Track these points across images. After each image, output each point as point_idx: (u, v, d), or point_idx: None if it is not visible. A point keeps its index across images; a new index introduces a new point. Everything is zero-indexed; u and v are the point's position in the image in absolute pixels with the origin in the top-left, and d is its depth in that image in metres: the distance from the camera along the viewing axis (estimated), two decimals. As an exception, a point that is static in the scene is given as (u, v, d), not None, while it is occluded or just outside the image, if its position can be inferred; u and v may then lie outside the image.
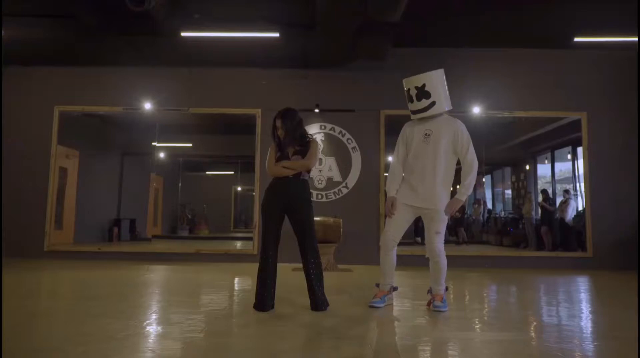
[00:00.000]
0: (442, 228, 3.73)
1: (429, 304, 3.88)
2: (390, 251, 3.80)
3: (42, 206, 7.92)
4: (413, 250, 7.30)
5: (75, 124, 8.37)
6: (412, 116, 3.88)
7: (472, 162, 3.71)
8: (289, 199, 3.66)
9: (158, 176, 10.74)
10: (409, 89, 3.83)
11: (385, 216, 3.89)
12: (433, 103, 3.74)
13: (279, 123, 3.73)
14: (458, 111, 7.11)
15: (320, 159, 7.59)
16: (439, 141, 3.72)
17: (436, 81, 3.77)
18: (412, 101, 3.81)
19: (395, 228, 3.78)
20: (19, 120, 8.07)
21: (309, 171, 3.78)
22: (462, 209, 9.88)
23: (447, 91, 3.83)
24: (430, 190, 3.71)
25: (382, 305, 3.85)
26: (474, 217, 10.43)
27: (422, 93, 3.75)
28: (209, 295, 4.47)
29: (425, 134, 3.76)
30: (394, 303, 4.06)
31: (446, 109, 3.81)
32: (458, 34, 7.48)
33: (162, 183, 10.96)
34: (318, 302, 3.67)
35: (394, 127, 7.06)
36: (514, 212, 10.31)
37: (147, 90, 7.97)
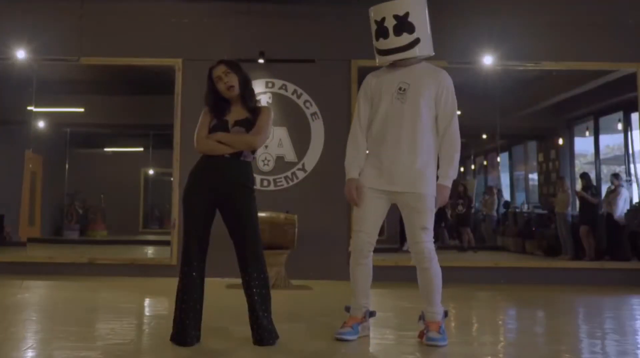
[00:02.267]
0: (430, 222, 3.43)
1: (421, 336, 3.57)
2: (365, 258, 3.48)
3: None
4: (398, 259, 6.84)
5: None
6: (382, 59, 3.58)
7: (455, 130, 3.44)
8: (222, 187, 3.36)
9: (36, 154, 9.48)
10: (383, 19, 3.50)
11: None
12: (417, 41, 3.44)
13: (222, 71, 3.38)
14: (460, 61, 6.86)
15: (268, 130, 7.04)
16: (419, 98, 3.42)
17: (422, 10, 3.52)
18: (386, 36, 3.49)
19: (370, 225, 3.47)
20: None
21: (254, 151, 3.50)
22: (468, 201, 9.42)
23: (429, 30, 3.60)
24: (409, 167, 3.40)
25: (353, 337, 3.52)
26: (484, 213, 9.83)
27: (404, 25, 3.43)
28: (108, 322, 4.25)
29: (400, 89, 3.47)
30: (371, 335, 3.83)
31: (432, 53, 3.56)
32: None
33: (42, 164, 9.96)
34: (263, 333, 3.34)
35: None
36: (541, 205, 9.90)
37: (20, 31, 7.12)
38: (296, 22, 7.25)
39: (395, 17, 3.44)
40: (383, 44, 3.51)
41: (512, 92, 8.19)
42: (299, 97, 7.18)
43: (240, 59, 6.62)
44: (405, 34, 3.41)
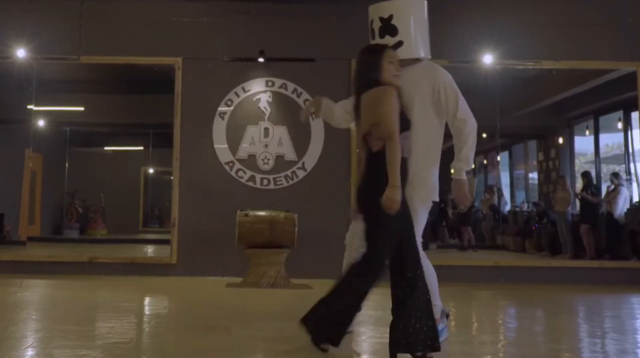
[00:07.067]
0: (420, 225, 3.37)
1: None
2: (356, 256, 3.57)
3: None
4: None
5: None
6: None
7: (465, 121, 3.34)
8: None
9: (36, 153, 9.42)
10: (372, 21, 3.58)
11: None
12: (399, 44, 3.43)
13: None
14: (460, 60, 6.94)
15: (267, 129, 7.07)
16: (414, 99, 3.36)
17: (410, 13, 3.52)
18: (373, 37, 3.58)
19: (360, 241, 3.52)
20: None
21: None
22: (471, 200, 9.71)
23: (427, 33, 3.57)
24: None
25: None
26: (484, 211, 9.85)
27: (386, 28, 3.47)
28: (108, 321, 4.23)
29: None
30: (371, 333, 3.84)
31: (421, 55, 3.50)
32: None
33: (42, 163, 9.93)
34: (391, 337, 3.00)
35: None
36: (541, 204, 9.82)
37: (20, 30, 7.12)
38: (296, 21, 7.29)
39: (381, 19, 3.49)
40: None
41: (512, 91, 8.20)
42: (299, 96, 7.28)
43: (240, 58, 6.88)
44: (387, 37, 3.44)
